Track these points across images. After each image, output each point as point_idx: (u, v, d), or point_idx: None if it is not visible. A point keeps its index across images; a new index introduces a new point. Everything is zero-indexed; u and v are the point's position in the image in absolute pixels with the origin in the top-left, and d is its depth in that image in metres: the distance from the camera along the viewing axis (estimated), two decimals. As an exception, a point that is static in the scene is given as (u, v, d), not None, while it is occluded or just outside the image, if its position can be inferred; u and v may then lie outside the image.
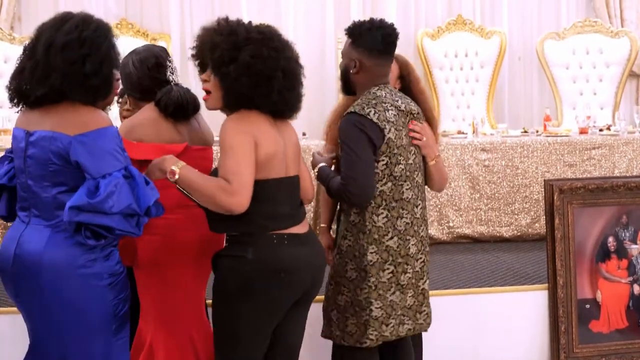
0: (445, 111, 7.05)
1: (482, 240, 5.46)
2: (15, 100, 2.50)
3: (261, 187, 2.53)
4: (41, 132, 2.43)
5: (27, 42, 2.50)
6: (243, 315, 2.57)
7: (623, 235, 4.06)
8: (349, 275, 2.95)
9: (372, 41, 2.96)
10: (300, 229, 2.66)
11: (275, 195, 2.59)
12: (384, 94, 2.96)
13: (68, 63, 2.39)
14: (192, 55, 2.66)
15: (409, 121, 3.00)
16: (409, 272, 2.99)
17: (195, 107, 2.98)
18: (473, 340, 4.09)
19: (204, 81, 2.62)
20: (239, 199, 2.45)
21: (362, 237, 2.92)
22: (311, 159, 3.12)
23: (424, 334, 3.38)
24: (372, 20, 3.02)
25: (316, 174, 3.02)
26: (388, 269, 2.94)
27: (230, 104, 2.59)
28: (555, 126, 6.32)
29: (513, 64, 7.52)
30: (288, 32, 6.72)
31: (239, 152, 2.48)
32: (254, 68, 2.50)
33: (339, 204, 3.10)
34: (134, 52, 3.02)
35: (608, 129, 5.92)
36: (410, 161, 2.98)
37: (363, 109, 2.89)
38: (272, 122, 2.62)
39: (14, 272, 2.45)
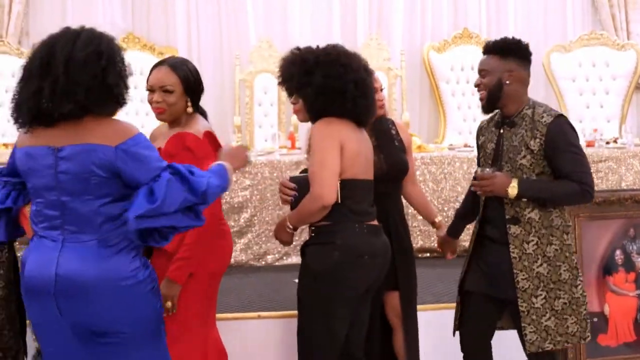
0: (451, 124, 7.06)
1: (488, 253, 5.43)
2: (30, 120, 2.43)
3: (349, 186, 2.95)
4: (75, 146, 2.39)
5: (27, 62, 2.45)
6: (329, 295, 2.89)
7: (630, 248, 4.04)
8: (563, 277, 3.06)
9: None
10: (375, 222, 3.07)
11: (358, 193, 3.01)
12: None
13: (91, 77, 2.38)
14: (279, 84, 3.11)
15: None
16: None
17: None
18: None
19: (293, 104, 3.09)
20: (321, 193, 2.86)
21: (567, 237, 3.08)
22: None
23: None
24: None
25: (519, 190, 3.00)
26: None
27: (315, 117, 3.01)
28: (562, 139, 6.30)
29: (519, 76, 7.52)
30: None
31: (324, 154, 2.89)
32: (327, 86, 2.92)
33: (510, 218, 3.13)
34: (186, 61, 3.10)
35: (615, 141, 5.92)
36: None
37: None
38: (355, 127, 3.01)
39: (58, 292, 2.41)
